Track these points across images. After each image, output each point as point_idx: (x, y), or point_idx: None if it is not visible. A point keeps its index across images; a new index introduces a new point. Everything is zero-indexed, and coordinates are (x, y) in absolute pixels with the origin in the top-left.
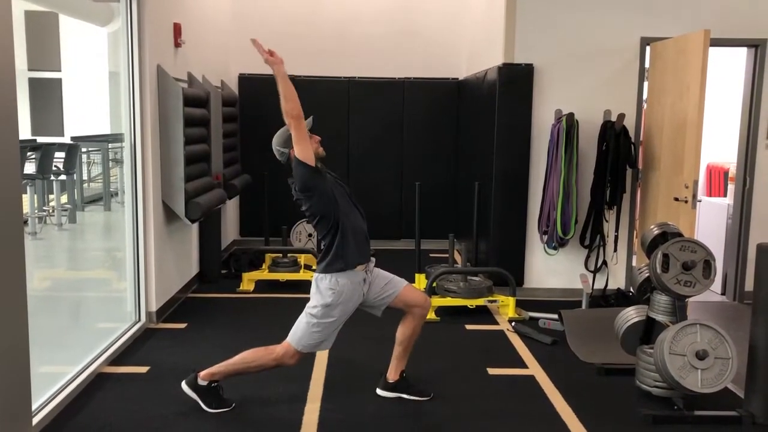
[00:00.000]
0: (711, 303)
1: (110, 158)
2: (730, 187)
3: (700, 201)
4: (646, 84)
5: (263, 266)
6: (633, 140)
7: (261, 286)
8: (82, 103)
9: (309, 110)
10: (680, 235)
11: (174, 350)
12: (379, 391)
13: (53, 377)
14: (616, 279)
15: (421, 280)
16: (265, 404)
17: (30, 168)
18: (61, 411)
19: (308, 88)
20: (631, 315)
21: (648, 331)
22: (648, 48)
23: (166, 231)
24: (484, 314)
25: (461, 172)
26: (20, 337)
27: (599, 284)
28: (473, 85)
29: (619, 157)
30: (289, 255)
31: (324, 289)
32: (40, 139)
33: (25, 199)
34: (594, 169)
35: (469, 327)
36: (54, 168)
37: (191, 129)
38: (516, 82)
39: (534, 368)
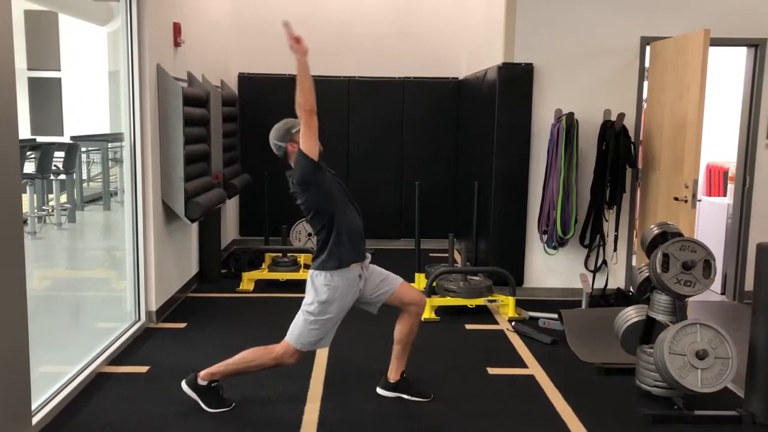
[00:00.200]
0: (711, 303)
1: (110, 158)
2: (730, 187)
3: (699, 200)
4: (646, 83)
5: (263, 266)
6: (633, 140)
7: (261, 285)
8: (82, 103)
9: None
10: (680, 234)
11: (174, 350)
12: (379, 391)
13: (53, 377)
14: (616, 279)
15: (421, 280)
16: (265, 404)
17: (29, 167)
18: (61, 411)
19: None
20: (631, 315)
21: (648, 330)
22: (648, 47)
23: (166, 230)
24: (484, 314)
25: (461, 172)
26: (20, 336)
27: (599, 284)
28: (473, 84)
29: (618, 156)
30: (288, 254)
31: (319, 286)
32: (40, 139)
33: (25, 198)
34: (594, 169)
35: (469, 327)
36: (53, 167)
37: (191, 128)
38: (516, 81)
39: (534, 368)
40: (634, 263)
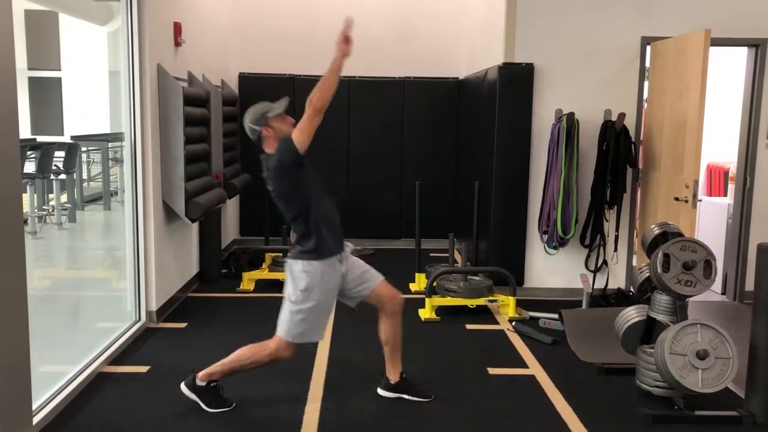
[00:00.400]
0: (711, 303)
1: (110, 157)
2: (731, 187)
3: (700, 201)
4: (646, 83)
5: (263, 266)
6: (633, 140)
7: (261, 285)
8: (82, 102)
9: None
10: (681, 234)
11: (174, 350)
12: (380, 391)
13: (53, 377)
14: (617, 279)
15: (421, 280)
16: (266, 404)
17: (30, 167)
18: (62, 411)
19: (308, 87)
20: (631, 315)
21: (648, 330)
22: (648, 47)
23: (166, 230)
24: (485, 314)
25: (461, 172)
26: (20, 336)
27: (599, 284)
28: (473, 84)
29: (619, 156)
30: (289, 254)
31: (297, 273)
32: (40, 138)
33: (25, 198)
34: (594, 169)
35: (469, 327)
36: (54, 167)
37: (191, 128)
38: (516, 81)
39: (534, 368)
40: (634, 263)
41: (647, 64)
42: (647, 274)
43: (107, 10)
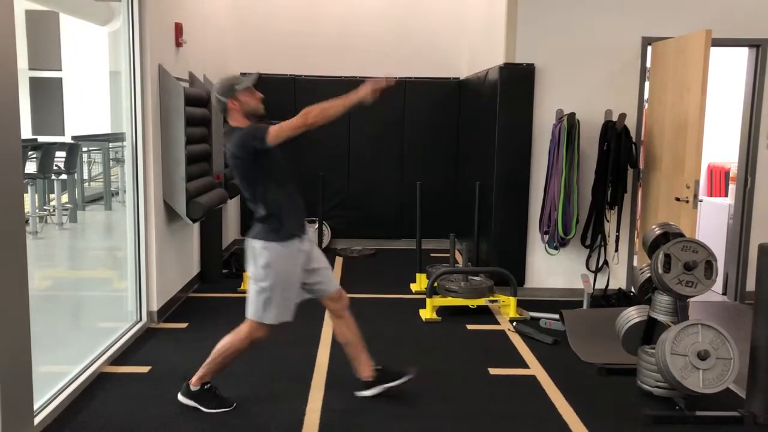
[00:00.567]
0: (712, 303)
1: (111, 157)
2: (731, 187)
3: (701, 201)
4: (647, 84)
5: None
6: (634, 140)
7: None
8: (83, 103)
9: None
10: (682, 235)
11: (175, 350)
12: (361, 393)
13: (55, 377)
14: (617, 279)
15: (422, 280)
16: (266, 404)
17: (31, 167)
18: (63, 411)
19: (309, 88)
20: (632, 315)
21: (649, 331)
22: (649, 48)
23: (167, 230)
24: (485, 314)
25: (462, 172)
26: (22, 336)
27: (600, 284)
28: (474, 84)
29: (620, 157)
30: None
31: (258, 250)
32: (41, 139)
33: (26, 198)
34: (595, 169)
35: (470, 327)
36: (55, 167)
37: (192, 128)
38: (517, 81)
39: (535, 368)
40: (635, 263)
41: (648, 64)
42: (648, 275)
43: (108, 10)
